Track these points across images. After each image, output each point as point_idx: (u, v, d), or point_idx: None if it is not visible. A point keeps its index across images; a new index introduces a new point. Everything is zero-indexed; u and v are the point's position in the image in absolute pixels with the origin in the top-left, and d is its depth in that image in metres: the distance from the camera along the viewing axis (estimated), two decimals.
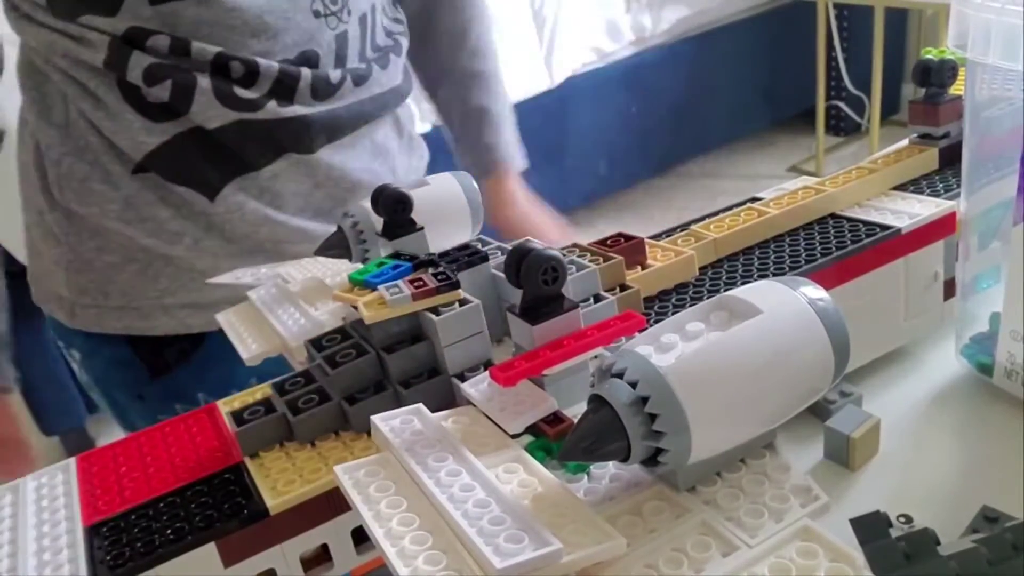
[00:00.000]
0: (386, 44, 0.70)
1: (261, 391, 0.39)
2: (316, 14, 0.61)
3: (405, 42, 0.73)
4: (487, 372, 0.33)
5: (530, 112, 2.41)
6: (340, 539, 0.33)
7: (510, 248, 0.32)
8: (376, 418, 0.31)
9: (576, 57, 2.31)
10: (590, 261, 0.39)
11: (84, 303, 0.66)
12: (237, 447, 0.35)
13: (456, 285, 0.35)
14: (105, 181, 0.62)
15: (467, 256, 0.39)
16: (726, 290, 0.30)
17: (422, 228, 0.41)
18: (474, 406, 0.32)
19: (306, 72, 0.62)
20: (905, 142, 0.54)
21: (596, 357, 0.35)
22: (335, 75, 0.64)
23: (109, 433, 1.96)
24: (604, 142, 2.42)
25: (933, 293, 0.45)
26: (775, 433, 0.30)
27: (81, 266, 0.65)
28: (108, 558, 0.30)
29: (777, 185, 0.51)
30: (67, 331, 0.69)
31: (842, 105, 2.98)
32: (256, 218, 0.63)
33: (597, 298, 0.37)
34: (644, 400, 0.26)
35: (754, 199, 0.50)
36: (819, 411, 0.41)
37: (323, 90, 0.63)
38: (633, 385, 0.27)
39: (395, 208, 0.41)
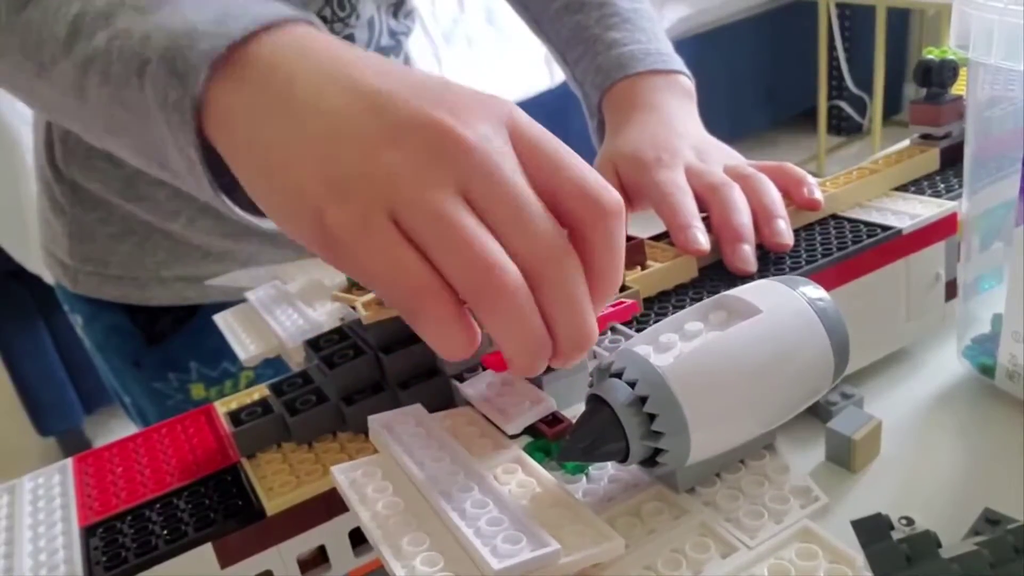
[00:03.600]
0: (388, 44, 0.70)
1: (259, 391, 0.39)
2: (322, 20, 0.61)
3: (406, 41, 0.73)
4: (485, 370, 0.33)
5: (530, 112, 2.40)
6: (337, 540, 0.33)
7: None
8: (374, 418, 0.31)
9: None
10: None
11: (86, 271, 0.68)
12: (234, 448, 0.35)
13: None
14: (107, 159, 0.62)
15: None
16: (726, 290, 0.30)
17: None
18: (472, 407, 0.32)
19: None
20: (907, 142, 0.54)
21: (595, 357, 0.35)
22: None
23: (106, 434, 1.96)
24: None
25: (935, 294, 0.45)
26: (775, 434, 0.30)
27: (84, 236, 0.66)
28: (104, 559, 0.30)
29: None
30: (71, 296, 0.71)
31: (844, 105, 2.98)
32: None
33: None
34: (643, 400, 0.26)
35: None
36: (820, 412, 0.41)
37: None
38: (632, 385, 0.27)
39: None
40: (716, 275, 0.43)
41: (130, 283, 0.67)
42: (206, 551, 0.31)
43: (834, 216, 0.46)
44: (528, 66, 2.31)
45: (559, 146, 0.30)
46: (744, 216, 0.44)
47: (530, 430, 0.30)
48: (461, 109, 0.29)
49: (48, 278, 0.75)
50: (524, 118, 0.30)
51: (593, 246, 0.29)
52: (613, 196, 0.29)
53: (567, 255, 0.28)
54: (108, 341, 0.71)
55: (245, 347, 0.43)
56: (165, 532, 0.31)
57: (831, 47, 2.76)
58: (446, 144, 0.28)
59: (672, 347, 0.28)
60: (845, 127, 3.03)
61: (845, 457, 0.38)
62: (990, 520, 0.33)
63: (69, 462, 0.36)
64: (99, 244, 0.66)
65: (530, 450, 0.30)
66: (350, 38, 0.63)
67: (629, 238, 0.43)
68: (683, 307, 0.39)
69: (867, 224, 0.44)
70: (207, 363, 0.70)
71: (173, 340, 0.69)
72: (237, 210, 0.36)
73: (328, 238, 0.29)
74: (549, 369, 0.31)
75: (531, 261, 0.27)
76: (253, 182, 0.31)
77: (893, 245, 0.42)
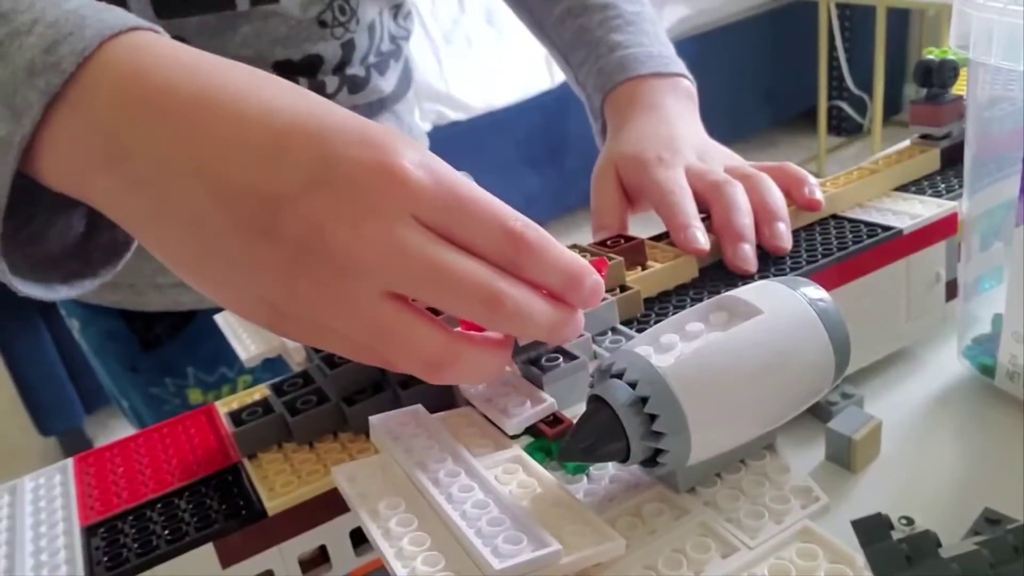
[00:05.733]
0: (389, 49, 0.69)
1: (259, 391, 0.39)
2: (322, 24, 0.60)
3: (406, 46, 0.73)
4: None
5: (530, 112, 2.41)
6: (338, 540, 0.33)
7: None
8: (375, 419, 0.31)
9: None
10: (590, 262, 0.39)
11: None
12: (235, 448, 0.35)
13: None
14: None
15: None
16: (726, 291, 0.30)
17: None
18: (473, 407, 0.32)
19: (303, 81, 0.61)
20: (907, 142, 0.54)
21: (596, 357, 0.35)
22: (332, 82, 0.63)
23: (107, 434, 1.96)
24: None
25: (935, 294, 0.45)
26: (775, 434, 0.30)
27: None
28: (105, 559, 0.30)
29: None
30: (66, 301, 0.70)
31: (844, 105, 2.98)
32: None
33: None
34: (643, 400, 0.26)
35: None
36: (820, 412, 0.41)
37: None
38: (632, 385, 0.27)
39: None
40: (716, 275, 0.43)
41: (126, 289, 0.66)
42: (207, 551, 0.31)
43: (834, 216, 0.46)
44: (528, 67, 2.31)
45: (462, 197, 0.29)
46: (746, 216, 0.44)
47: (531, 430, 0.30)
48: (353, 208, 0.27)
49: None
50: (422, 182, 0.28)
51: (530, 277, 0.30)
52: (519, 229, 0.29)
53: (504, 292, 0.28)
54: (104, 346, 0.71)
55: (246, 347, 0.43)
56: (166, 532, 0.31)
57: (831, 47, 2.76)
58: (352, 262, 0.27)
59: (673, 348, 0.28)
60: (845, 127, 3.03)
61: (845, 457, 0.38)
62: (990, 520, 0.33)
63: (70, 462, 0.36)
64: None
65: (531, 450, 0.30)
66: (350, 43, 0.63)
67: (629, 238, 0.43)
68: (683, 307, 0.39)
69: (867, 224, 0.44)
70: (204, 368, 0.69)
71: (169, 345, 0.69)
72: (15, 286, 0.33)
73: (283, 334, 0.32)
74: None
75: (476, 316, 0.29)
76: (180, 275, 0.31)
77: (893, 245, 0.42)
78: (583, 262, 0.31)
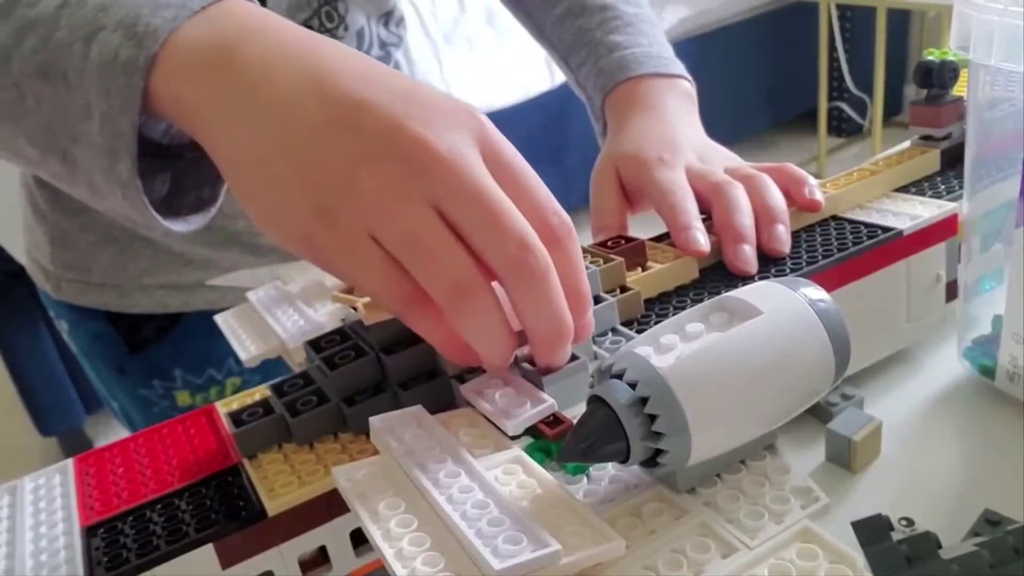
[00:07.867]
0: (378, 56, 0.68)
1: (260, 392, 0.39)
2: (310, 30, 0.60)
3: (396, 52, 0.72)
4: (486, 371, 0.33)
5: (530, 112, 2.41)
6: (338, 541, 0.33)
7: None
8: (375, 419, 0.31)
9: None
10: (590, 263, 0.39)
11: (68, 278, 0.67)
12: (235, 448, 0.35)
13: None
14: None
15: None
16: (726, 292, 0.30)
17: None
18: (473, 408, 0.32)
19: None
20: (907, 143, 0.54)
21: (596, 358, 0.35)
22: None
23: (107, 434, 1.96)
24: None
25: (935, 295, 0.45)
26: (775, 435, 0.30)
27: (65, 243, 0.66)
28: (105, 559, 0.30)
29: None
30: (55, 303, 0.70)
31: (844, 106, 2.98)
32: (232, 211, 0.63)
33: (597, 300, 0.37)
34: (644, 401, 0.26)
35: None
36: (820, 413, 0.41)
37: None
38: (633, 386, 0.27)
39: None
40: (717, 276, 0.43)
41: (112, 290, 0.66)
42: (207, 552, 0.31)
43: (835, 217, 0.46)
44: (528, 67, 2.31)
45: (524, 167, 0.32)
46: (746, 217, 0.44)
47: (531, 431, 0.30)
48: (433, 120, 0.31)
49: None
50: (494, 134, 0.32)
51: (561, 259, 0.31)
52: (565, 222, 0.32)
53: (539, 248, 0.30)
54: (92, 348, 0.71)
55: (246, 347, 0.43)
56: (166, 532, 0.31)
57: (831, 48, 2.76)
58: (419, 158, 0.30)
59: (673, 348, 0.28)
60: (846, 128, 3.03)
61: (845, 458, 0.38)
62: (990, 521, 0.33)
63: (70, 462, 0.36)
64: (81, 251, 0.65)
65: (531, 451, 0.30)
66: None
67: (629, 239, 0.43)
68: (684, 308, 0.39)
69: (868, 225, 0.44)
70: (192, 370, 0.69)
71: (157, 348, 0.69)
72: (151, 209, 0.36)
73: (317, 254, 0.32)
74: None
75: (504, 258, 0.30)
76: (234, 183, 0.33)
77: (894, 246, 0.42)
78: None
